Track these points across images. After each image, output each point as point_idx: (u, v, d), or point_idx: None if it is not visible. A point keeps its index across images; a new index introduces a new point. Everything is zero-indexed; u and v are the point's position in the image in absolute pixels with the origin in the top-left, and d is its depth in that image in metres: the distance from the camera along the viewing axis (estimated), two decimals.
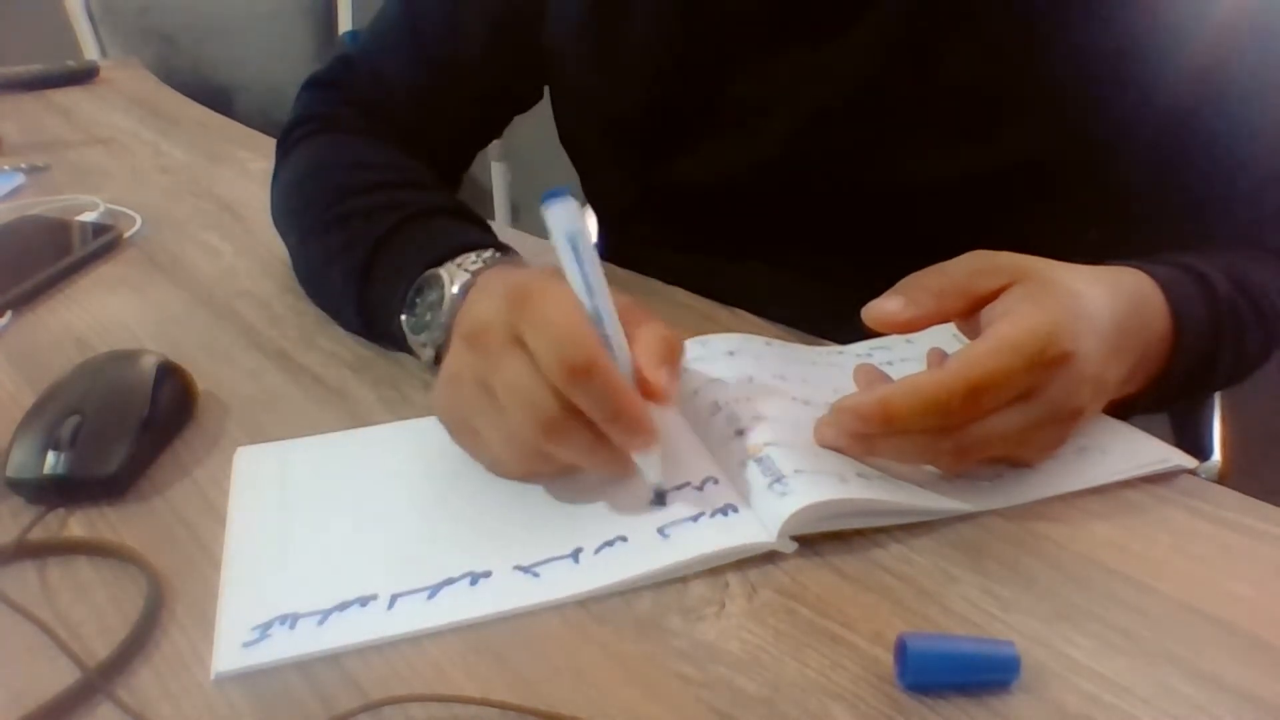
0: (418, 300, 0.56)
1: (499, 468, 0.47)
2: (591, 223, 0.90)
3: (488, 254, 0.56)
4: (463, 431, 0.47)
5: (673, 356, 0.45)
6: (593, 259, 0.44)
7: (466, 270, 0.54)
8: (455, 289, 0.53)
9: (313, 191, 0.68)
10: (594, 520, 0.44)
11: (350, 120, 0.74)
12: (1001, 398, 0.43)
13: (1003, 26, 0.58)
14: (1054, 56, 0.58)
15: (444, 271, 0.55)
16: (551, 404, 0.41)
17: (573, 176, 0.80)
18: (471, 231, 0.59)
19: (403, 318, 0.56)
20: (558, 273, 0.44)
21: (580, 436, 0.42)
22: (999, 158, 0.61)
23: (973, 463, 0.45)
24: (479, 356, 0.44)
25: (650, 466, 0.45)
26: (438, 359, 0.54)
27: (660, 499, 0.45)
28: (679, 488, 0.46)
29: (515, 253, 0.58)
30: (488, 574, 0.41)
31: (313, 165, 0.71)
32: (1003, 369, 0.42)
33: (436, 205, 0.62)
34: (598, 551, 0.42)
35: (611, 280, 0.43)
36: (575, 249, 0.43)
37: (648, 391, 0.43)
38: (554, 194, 0.43)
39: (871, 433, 0.44)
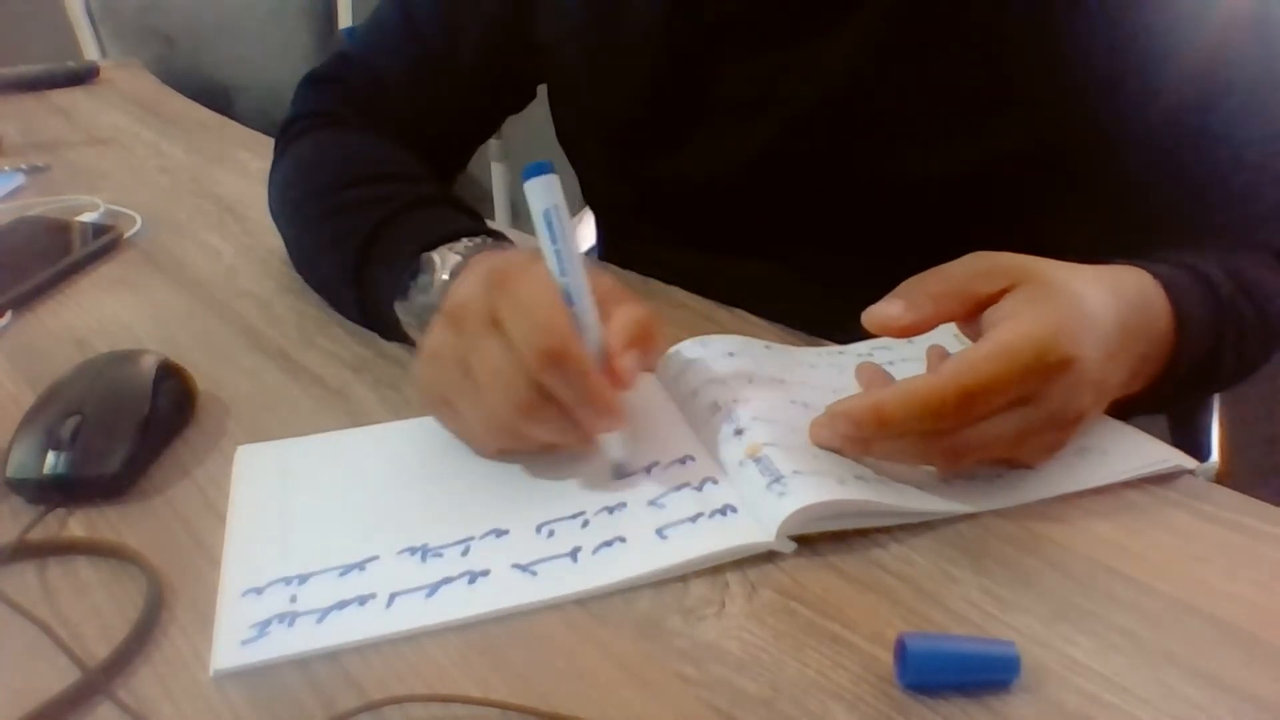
0: (411, 284, 0.56)
1: (475, 443, 0.48)
2: (588, 224, 0.90)
3: (479, 239, 0.57)
4: (440, 407, 0.48)
5: (646, 338, 0.46)
6: (567, 235, 0.45)
7: (458, 254, 0.55)
8: (445, 274, 0.54)
9: (310, 184, 0.68)
10: (595, 521, 0.44)
11: (347, 116, 0.75)
12: (997, 403, 0.43)
13: (991, 25, 0.58)
14: (1042, 56, 0.58)
15: (436, 255, 0.55)
16: (526, 386, 0.43)
17: (572, 177, 0.80)
18: (464, 219, 0.60)
19: (397, 303, 0.57)
20: (538, 254, 0.45)
21: (551, 417, 0.44)
22: (990, 155, 0.61)
23: (969, 464, 0.45)
24: (459, 336, 0.45)
25: (612, 445, 0.46)
26: None
27: (620, 473, 0.46)
28: (678, 488, 0.46)
29: (508, 239, 0.58)
30: (486, 573, 0.41)
31: (310, 159, 0.71)
32: (998, 375, 0.42)
33: (429, 195, 0.63)
34: (595, 551, 0.42)
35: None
36: (550, 225, 0.44)
37: (613, 375, 0.44)
38: (534, 168, 0.44)
39: (866, 436, 0.44)
